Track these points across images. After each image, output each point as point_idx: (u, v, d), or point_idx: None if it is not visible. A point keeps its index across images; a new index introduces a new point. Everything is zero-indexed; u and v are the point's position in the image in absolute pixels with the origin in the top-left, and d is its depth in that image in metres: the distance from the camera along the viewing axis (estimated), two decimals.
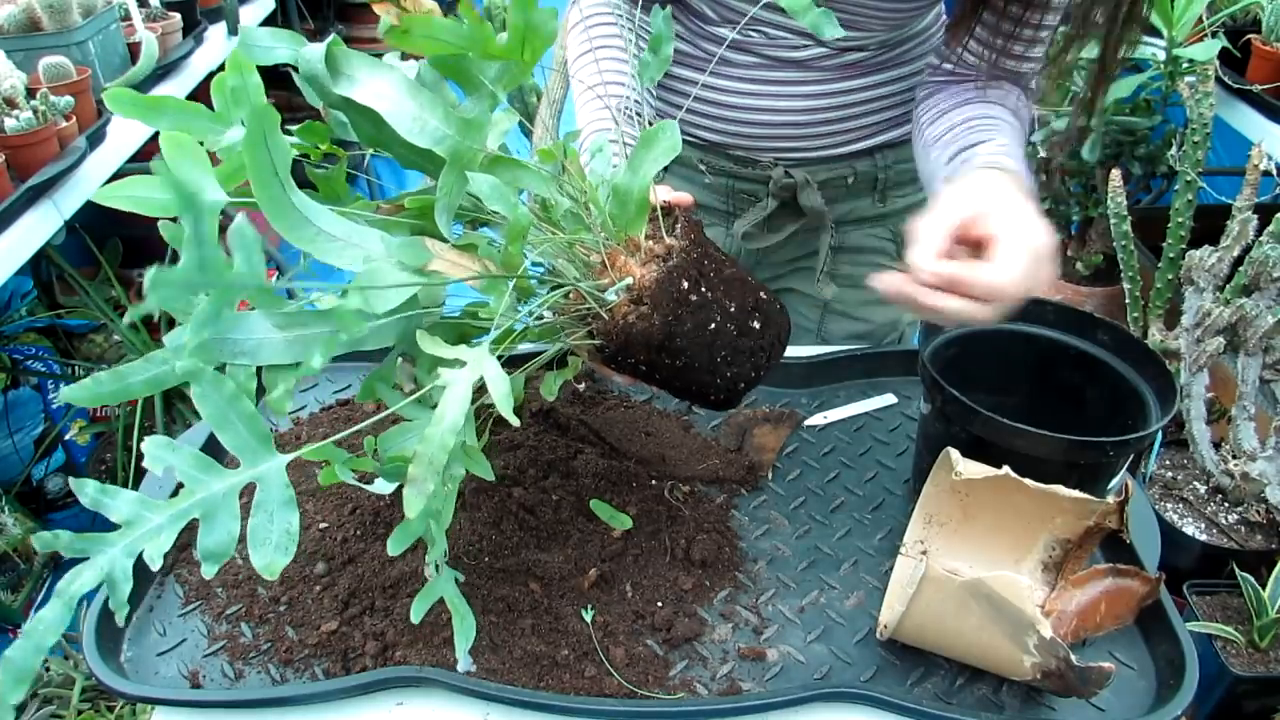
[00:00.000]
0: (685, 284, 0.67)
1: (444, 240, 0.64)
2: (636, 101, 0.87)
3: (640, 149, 0.66)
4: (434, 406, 0.54)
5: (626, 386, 0.99)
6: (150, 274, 0.47)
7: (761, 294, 0.73)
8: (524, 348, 0.73)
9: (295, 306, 0.57)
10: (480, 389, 0.55)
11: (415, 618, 0.63)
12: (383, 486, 0.69)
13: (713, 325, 0.69)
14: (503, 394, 0.54)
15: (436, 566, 0.63)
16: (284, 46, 0.61)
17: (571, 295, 0.68)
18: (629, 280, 0.66)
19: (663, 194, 0.72)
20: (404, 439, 0.63)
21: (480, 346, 0.57)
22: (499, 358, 0.57)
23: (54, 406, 2.09)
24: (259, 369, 0.57)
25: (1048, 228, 0.72)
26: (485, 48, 0.61)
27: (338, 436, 0.59)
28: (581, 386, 0.98)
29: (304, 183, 0.59)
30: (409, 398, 0.62)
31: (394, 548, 0.59)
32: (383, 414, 0.60)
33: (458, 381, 0.55)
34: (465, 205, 0.69)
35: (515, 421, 0.55)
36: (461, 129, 0.62)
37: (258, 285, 0.53)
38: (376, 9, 0.68)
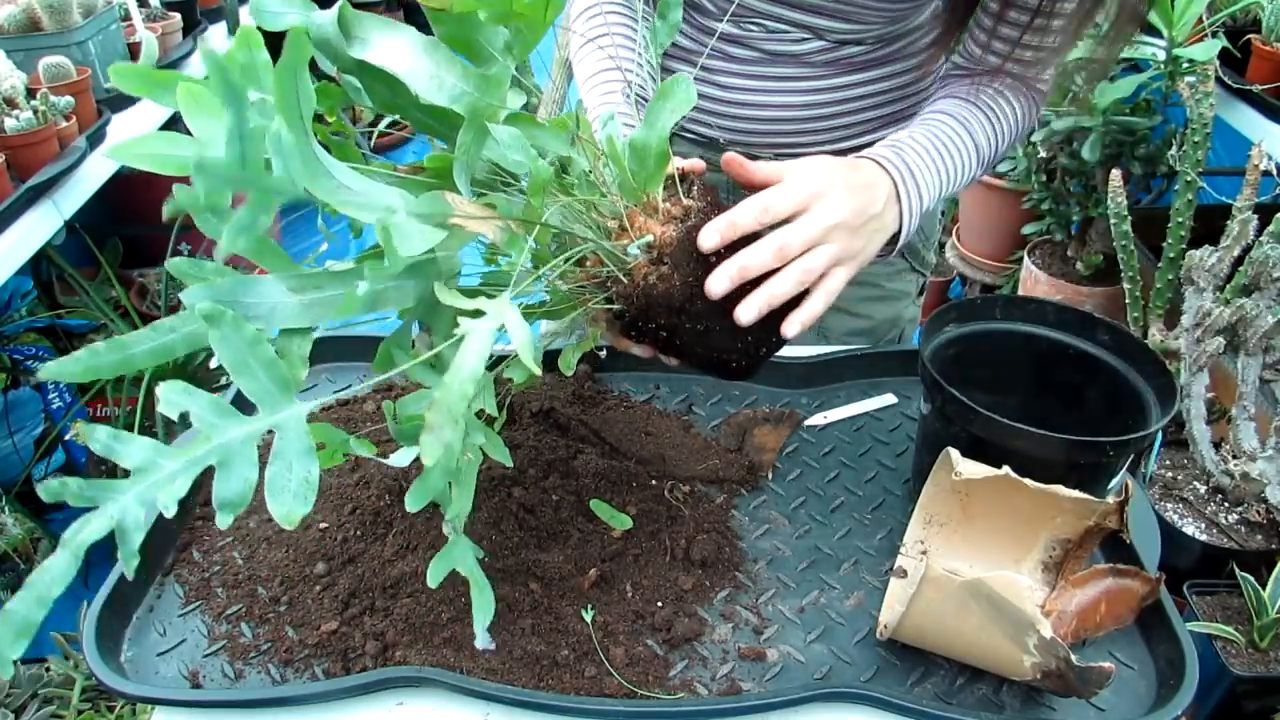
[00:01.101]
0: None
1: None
2: (641, 87, 0.87)
3: (657, 101, 0.65)
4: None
5: (629, 386, 0.99)
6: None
7: None
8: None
9: (310, 269, 0.56)
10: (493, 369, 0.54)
11: (433, 582, 0.60)
12: (401, 458, 0.65)
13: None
14: (524, 342, 0.52)
15: (454, 529, 0.61)
16: (294, 12, 0.60)
17: (589, 261, 0.68)
18: (650, 237, 0.66)
19: (674, 162, 0.72)
20: (421, 403, 0.62)
21: (501, 296, 0.55)
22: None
23: (54, 406, 2.09)
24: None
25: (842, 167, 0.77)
26: (511, 6, 0.61)
27: (331, 397, 0.58)
28: (583, 386, 0.97)
29: None
30: (422, 357, 0.60)
31: (412, 504, 0.56)
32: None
33: (477, 330, 0.52)
34: (479, 176, 0.69)
35: (537, 371, 0.53)
36: (480, 85, 0.61)
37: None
38: None
